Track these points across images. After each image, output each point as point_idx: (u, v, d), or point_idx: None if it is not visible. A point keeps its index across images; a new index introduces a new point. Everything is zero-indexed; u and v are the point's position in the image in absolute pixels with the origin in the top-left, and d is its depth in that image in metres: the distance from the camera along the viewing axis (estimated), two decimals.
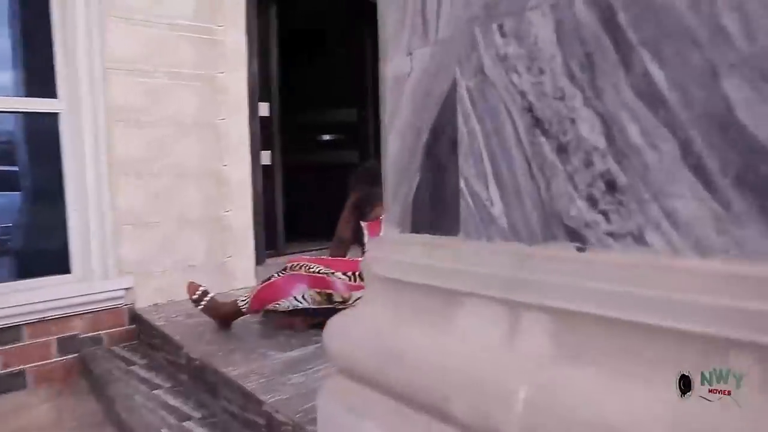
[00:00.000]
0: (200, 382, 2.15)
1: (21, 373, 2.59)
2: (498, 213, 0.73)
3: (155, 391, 2.20)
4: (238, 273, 3.21)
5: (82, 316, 2.75)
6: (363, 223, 2.43)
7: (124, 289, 2.86)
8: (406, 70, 0.87)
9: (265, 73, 3.43)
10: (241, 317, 2.46)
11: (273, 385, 1.82)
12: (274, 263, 3.50)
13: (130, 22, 2.88)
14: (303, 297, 2.30)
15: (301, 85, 4.30)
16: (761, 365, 0.48)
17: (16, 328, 2.60)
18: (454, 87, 0.79)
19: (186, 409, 2.05)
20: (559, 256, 0.65)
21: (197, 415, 1.99)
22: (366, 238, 2.42)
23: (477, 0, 0.73)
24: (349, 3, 4.04)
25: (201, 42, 3.12)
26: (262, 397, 1.73)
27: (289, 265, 2.39)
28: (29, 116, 2.94)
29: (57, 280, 2.76)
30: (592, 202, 0.62)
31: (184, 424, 1.92)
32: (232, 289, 3.20)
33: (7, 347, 2.56)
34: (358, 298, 2.20)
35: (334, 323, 0.92)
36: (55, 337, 2.68)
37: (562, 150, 0.65)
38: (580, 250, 0.64)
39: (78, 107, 2.74)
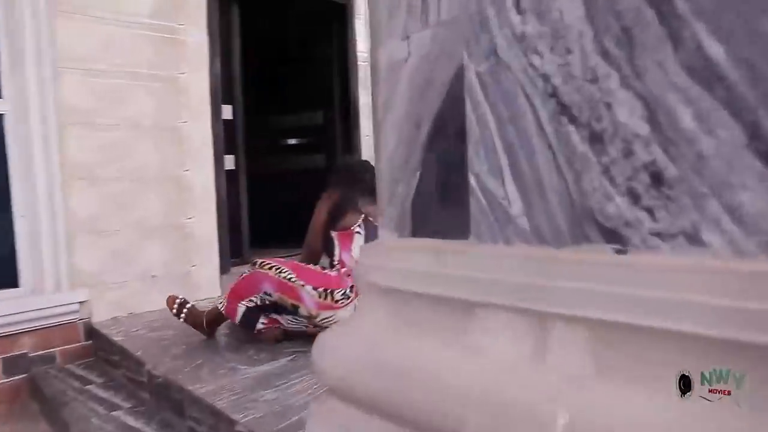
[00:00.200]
0: (164, 400, 2.01)
1: None
2: (517, 212, 0.65)
3: (114, 412, 2.04)
4: (203, 283, 3.06)
5: (31, 333, 2.55)
6: (333, 233, 2.29)
7: (79, 302, 2.67)
8: (402, 56, 0.78)
9: (227, 74, 3.30)
10: (224, 321, 2.37)
11: (245, 403, 1.70)
12: (240, 272, 3.35)
13: (84, 18, 2.71)
14: (271, 293, 2.18)
15: (265, 88, 4.17)
16: None
17: None
18: (460, 73, 0.70)
19: (148, 430, 1.90)
20: (593, 260, 0.58)
21: None
22: (337, 250, 2.27)
23: None
24: (314, 4, 3.94)
25: (161, 41, 2.97)
26: (234, 416, 1.61)
27: (258, 261, 2.27)
28: None
29: (3, 295, 2.55)
30: (634, 197, 0.55)
31: None
32: (197, 300, 3.03)
33: None
34: (325, 318, 2.10)
35: (324, 338, 0.82)
36: (0, 357, 2.47)
37: (595, 139, 0.57)
38: (619, 252, 0.56)
39: (25, 108, 2.55)
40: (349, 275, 2.15)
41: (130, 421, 1.97)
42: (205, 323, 2.37)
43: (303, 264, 2.25)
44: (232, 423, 1.60)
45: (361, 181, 2.29)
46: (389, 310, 0.77)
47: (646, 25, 0.52)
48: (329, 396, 0.80)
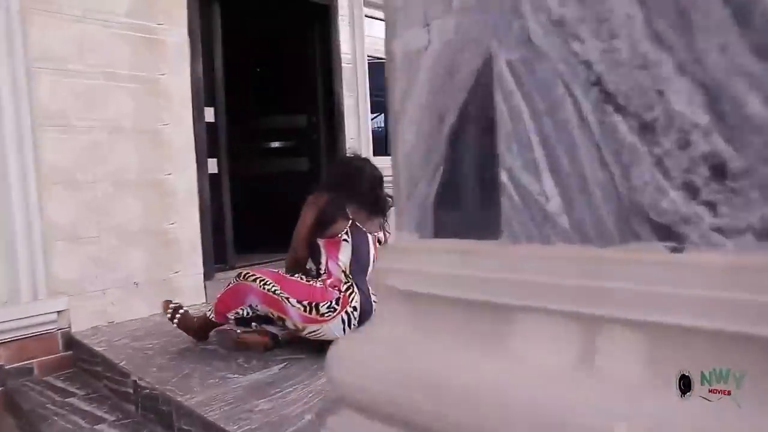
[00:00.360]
0: (151, 412, 1.93)
1: None
2: (556, 210, 0.61)
3: (98, 426, 1.95)
4: (186, 290, 2.97)
5: (7, 345, 2.44)
6: (320, 241, 2.20)
7: (57, 311, 2.57)
8: (421, 45, 0.73)
9: (209, 76, 3.22)
10: (215, 327, 2.33)
11: (238, 413, 1.63)
12: (225, 278, 3.26)
13: (58, 16, 2.61)
14: (257, 306, 2.13)
15: (247, 90, 4.09)
16: None
17: None
18: (489, 62, 0.66)
19: None
20: (644, 259, 0.54)
21: None
22: (323, 259, 2.19)
23: None
24: (296, 5, 3.88)
25: (139, 41, 2.88)
26: (229, 428, 1.55)
27: (243, 272, 2.22)
28: None
29: None
30: (691, 191, 0.51)
31: None
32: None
33: None
34: (312, 331, 2.06)
35: (341, 347, 0.77)
36: None
37: (645, 129, 0.53)
38: (675, 250, 0.52)
39: None
40: (335, 286, 2.09)
41: None
42: (198, 329, 2.34)
43: (287, 275, 2.17)
44: None
45: (351, 185, 2.22)
46: (413, 316, 0.72)
47: (707, 6, 0.49)
48: (347, 408, 0.75)
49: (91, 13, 2.71)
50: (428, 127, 0.73)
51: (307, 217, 2.19)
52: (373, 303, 2.12)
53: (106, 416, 2.04)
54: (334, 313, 2.04)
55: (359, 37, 4.00)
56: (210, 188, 3.18)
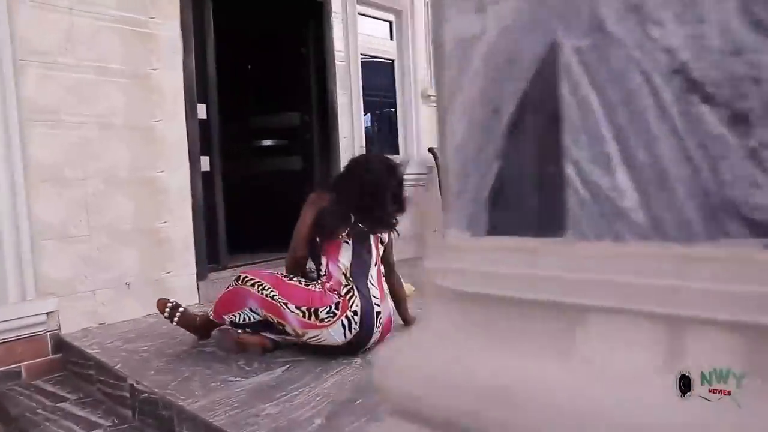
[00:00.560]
0: (150, 417, 1.87)
1: None
2: (631, 205, 0.58)
3: None
4: (179, 290, 2.90)
5: None
6: (320, 241, 2.15)
7: (46, 313, 2.48)
8: (475, 32, 0.70)
9: (201, 72, 3.14)
10: (216, 327, 2.28)
11: (245, 418, 1.58)
12: (218, 278, 3.20)
13: (47, 7, 2.53)
14: (257, 311, 2.09)
15: (239, 87, 4.01)
16: None
17: None
18: (554, 50, 0.63)
19: None
20: (736, 256, 0.51)
21: None
22: (323, 260, 2.13)
23: None
24: (290, 1, 3.82)
25: (130, 34, 2.81)
26: None
27: (242, 276, 2.17)
28: None
29: None
30: None
31: None
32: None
33: None
34: (312, 337, 2.03)
35: (389, 352, 0.73)
36: None
37: (738, 120, 0.51)
38: None
39: None
40: (334, 290, 2.05)
41: None
42: (199, 327, 2.31)
43: (285, 279, 2.12)
44: None
45: (352, 190, 2.13)
46: (468, 318, 0.68)
47: None
48: (396, 418, 0.71)
49: (80, 5, 2.63)
50: (482, 119, 0.70)
51: (307, 216, 2.14)
52: (375, 306, 2.08)
53: (101, 421, 1.98)
54: (334, 318, 2.00)
55: (353, 35, 3.96)
56: (202, 187, 3.11)
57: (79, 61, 2.63)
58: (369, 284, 2.10)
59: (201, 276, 3.05)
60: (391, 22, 4.48)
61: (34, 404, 2.15)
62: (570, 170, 0.62)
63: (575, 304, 0.60)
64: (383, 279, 2.22)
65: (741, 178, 0.51)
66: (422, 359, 0.69)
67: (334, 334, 2.01)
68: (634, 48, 0.57)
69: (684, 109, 0.54)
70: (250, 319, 2.11)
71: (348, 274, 2.07)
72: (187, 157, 3.00)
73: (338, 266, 2.08)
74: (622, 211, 0.58)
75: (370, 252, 2.16)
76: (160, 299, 2.37)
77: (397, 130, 4.58)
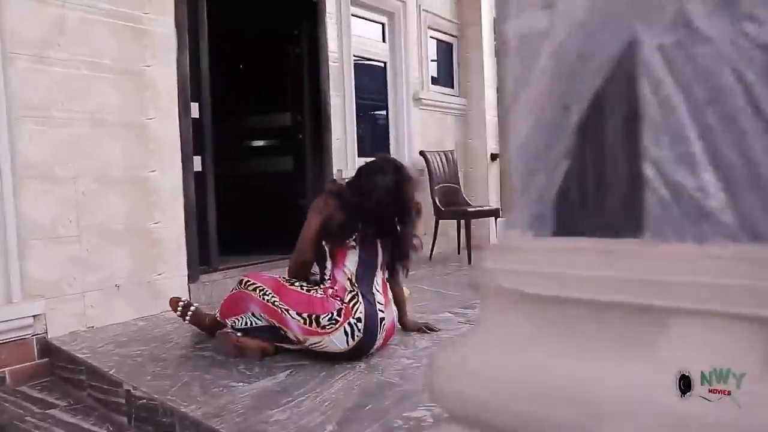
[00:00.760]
0: (148, 424, 1.81)
1: None
2: (718, 206, 0.56)
3: None
4: (170, 292, 2.81)
5: None
6: (327, 245, 2.10)
7: (33, 316, 2.39)
8: (542, 28, 0.68)
9: (195, 70, 3.08)
10: (224, 327, 2.22)
11: (254, 425, 1.54)
12: (209, 280, 3.14)
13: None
14: (260, 316, 2.05)
15: (231, 88, 3.95)
16: None
17: None
18: (632, 47, 0.61)
19: None
20: None
21: None
22: (328, 265, 2.09)
23: None
24: (284, 1, 3.78)
25: (124, 29, 2.74)
26: None
27: (244, 280, 2.13)
28: None
29: None
30: None
31: None
32: (164, 311, 2.80)
33: None
34: (314, 344, 1.99)
35: (446, 356, 0.70)
36: None
37: None
38: None
39: None
40: (338, 296, 2.01)
41: None
42: (208, 327, 2.32)
43: (286, 284, 2.07)
44: None
45: (360, 198, 2.06)
46: (534, 320, 0.66)
47: None
48: (454, 424, 0.69)
49: None
50: (550, 117, 0.68)
51: (313, 221, 2.09)
52: (379, 312, 2.05)
53: (95, 429, 1.91)
54: (336, 325, 1.96)
55: (346, 36, 3.93)
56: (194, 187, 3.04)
57: (71, 55, 2.55)
58: (374, 290, 2.07)
59: (192, 278, 2.98)
60: (383, 24, 4.46)
61: (22, 411, 2.07)
62: (649, 170, 0.60)
63: (657, 306, 0.58)
64: (387, 284, 2.19)
65: None
66: (491, 364, 0.67)
67: (336, 341, 1.97)
68: (725, 45, 0.55)
69: None
70: (252, 323, 2.07)
71: (353, 280, 2.03)
72: (180, 156, 2.93)
73: (344, 271, 2.04)
74: (708, 211, 0.57)
75: (376, 257, 2.12)
76: (172, 297, 2.47)
77: (384, 133, 4.57)
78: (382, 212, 2.05)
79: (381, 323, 2.05)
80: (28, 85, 2.41)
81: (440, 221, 4.35)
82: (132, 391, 1.88)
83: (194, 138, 3.05)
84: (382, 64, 4.50)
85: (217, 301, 2.97)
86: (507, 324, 0.68)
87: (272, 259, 3.61)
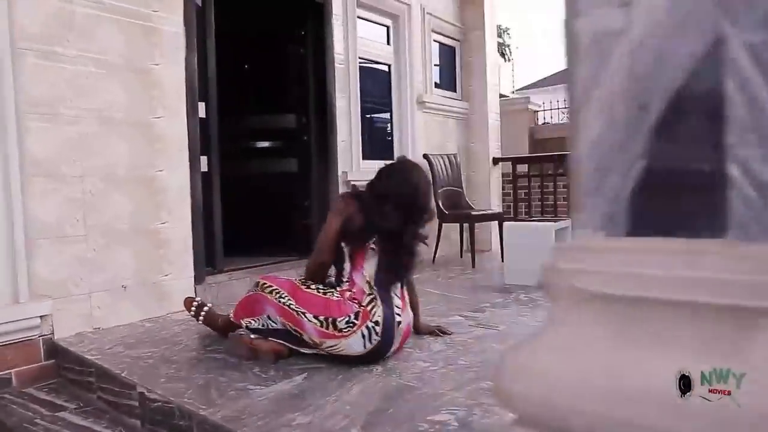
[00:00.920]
0: (163, 428, 1.78)
1: None
2: None
3: None
4: (176, 294, 2.79)
5: None
6: (346, 247, 2.08)
7: (40, 316, 2.35)
8: (617, 26, 0.67)
9: (202, 69, 3.06)
10: (238, 328, 2.22)
11: (276, 428, 1.52)
12: (214, 281, 3.11)
13: None
14: (276, 319, 2.04)
15: (237, 88, 3.92)
16: None
17: None
18: (718, 45, 0.60)
19: None
20: None
21: None
22: (347, 266, 2.07)
23: None
24: (291, 2, 3.76)
25: (133, 27, 2.71)
26: None
27: (260, 282, 2.11)
28: None
29: None
30: None
31: None
32: (170, 313, 2.77)
33: None
34: (331, 346, 1.97)
35: (516, 358, 0.69)
36: None
37: None
38: None
39: None
40: (355, 299, 1.98)
41: None
42: (221, 327, 2.32)
43: (302, 286, 2.05)
44: None
45: (381, 208, 2.02)
46: (610, 320, 0.65)
47: None
48: (523, 426, 0.67)
49: None
50: (625, 116, 0.67)
51: (333, 223, 2.06)
52: (396, 315, 2.03)
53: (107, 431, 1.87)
54: (354, 328, 1.94)
55: (352, 37, 3.92)
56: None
57: (79, 52, 2.51)
58: (393, 293, 2.05)
59: (199, 279, 2.95)
60: (388, 27, 4.46)
61: (31, 414, 2.03)
62: (734, 170, 0.59)
63: (745, 307, 0.57)
64: (404, 288, 2.17)
65: None
66: (562, 364, 0.65)
67: (354, 344, 1.95)
68: None
69: None
70: (267, 326, 2.05)
71: (372, 282, 2.02)
72: (188, 156, 2.90)
73: (362, 274, 2.02)
74: None
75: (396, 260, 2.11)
76: (187, 297, 2.49)
77: (385, 137, 4.56)
78: (400, 214, 2.03)
79: (398, 327, 2.03)
80: (35, 81, 2.38)
81: (443, 224, 4.34)
82: (146, 393, 1.85)
83: (200, 138, 3.02)
84: (385, 67, 4.49)
85: (223, 303, 2.96)
86: (580, 324, 0.67)
87: (276, 261, 3.59)
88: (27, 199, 2.34)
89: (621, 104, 0.67)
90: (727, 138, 0.60)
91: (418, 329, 2.35)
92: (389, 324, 1.99)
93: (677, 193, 0.65)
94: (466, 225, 4.44)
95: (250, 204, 3.83)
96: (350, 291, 2.01)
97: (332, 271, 2.17)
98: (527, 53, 37.01)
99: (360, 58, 4.08)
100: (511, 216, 4.93)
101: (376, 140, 4.52)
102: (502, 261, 4.17)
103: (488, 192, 5.08)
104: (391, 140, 4.52)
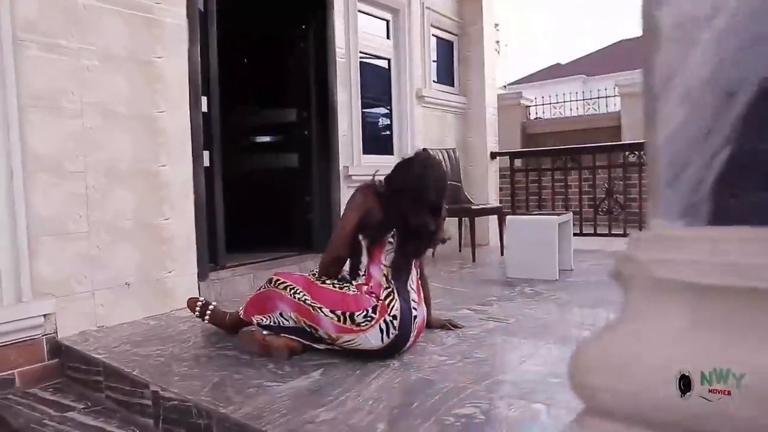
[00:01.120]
0: (179, 427, 1.74)
1: None
2: None
3: None
4: (180, 291, 2.75)
5: None
6: (363, 241, 2.06)
7: (43, 315, 2.29)
8: (705, 13, 0.65)
9: (204, 63, 3.00)
10: (246, 326, 2.18)
11: (301, 425, 1.49)
12: (217, 278, 3.06)
13: None
14: (289, 316, 2.01)
15: (236, 82, 3.86)
16: None
17: None
18: None
19: None
20: None
21: None
22: (364, 260, 2.05)
23: None
24: None
25: (135, 19, 2.65)
26: None
27: (274, 278, 2.08)
28: None
29: None
30: None
31: None
32: (174, 310, 2.73)
33: None
34: (347, 341, 1.95)
35: (589, 349, 0.67)
36: None
37: None
38: None
39: None
40: (373, 292, 1.96)
41: None
42: (229, 326, 2.28)
43: (318, 282, 2.03)
44: None
45: (400, 207, 2.00)
46: (695, 311, 0.64)
47: None
48: (597, 418, 0.66)
49: None
50: (710, 105, 0.65)
51: (351, 217, 2.04)
52: (413, 309, 2.02)
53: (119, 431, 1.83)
54: (372, 322, 1.92)
55: (353, 31, 3.88)
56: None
57: (82, 44, 2.45)
58: (409, 287, 2.03)
59: (202, 276, 2.91)
60: (387, 21, 4.43)
61: (38, 414, 1.98)
62: None
63: None
64: (420, 282, 2.16)
65: None
66: (642, 355, 0.64)
67: (371, 338, 1.93)
68: None
69: None
70: (280, 323, 2.02)
71: (389, 276, 1.99)
72: (191, 150, 2.85)
73: (380, 267, 2.00)
74: None
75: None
76: (190, 298, 2.43)
77: (385, 132, 4.54)
78: (418, 208, 2.01)
79: (414, 321, 2.02)
80: (37, 73, 2.32)
81: None
82: (160, 392, 1.81)
83: (203, 132, 2.97)
84: (384, 63, 4.46)
85: (226, 300, 2.92)
86: (660, 314, 0.66)
87: (277, 257, 3.55)
88: (29, 195, 2.28)
89: (707, 92, 0.66)
90: None
91: (429, 323, 2.34)
92: (406, 318, 1.97)
93: (765, 182, 0.63)
94: (464, 220, 4.43)
95: (251, 199, 3.79)
96: (367, 285, 1.99)
97: (345, 265, 2.15)
98: (515, 48, 37.11)
99: (360, 52, 4.04)
100: (510, 210, 4.93)
101: (375, 135, 4.49)
102: (502, 255, 4.18)
103: (486, 186, 5.08)
104: (391, 135, 4.49)
